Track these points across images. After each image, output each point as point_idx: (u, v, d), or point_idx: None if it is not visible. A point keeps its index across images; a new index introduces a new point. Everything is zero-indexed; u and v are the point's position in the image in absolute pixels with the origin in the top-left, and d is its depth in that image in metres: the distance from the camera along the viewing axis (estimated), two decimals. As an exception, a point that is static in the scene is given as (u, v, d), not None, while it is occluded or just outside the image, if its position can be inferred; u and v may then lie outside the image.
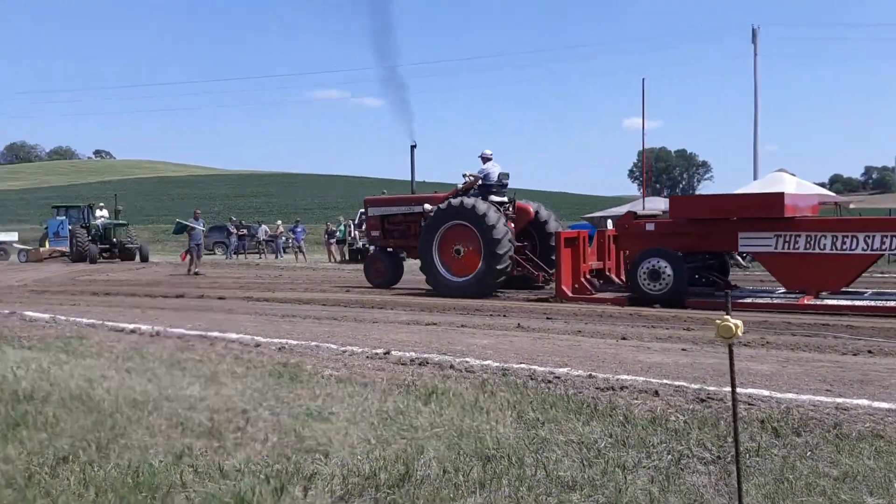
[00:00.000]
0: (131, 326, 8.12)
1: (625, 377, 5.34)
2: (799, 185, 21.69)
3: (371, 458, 3.40)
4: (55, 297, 13.76)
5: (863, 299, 10.60)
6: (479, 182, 14.03)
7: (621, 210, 23.50)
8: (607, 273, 13.29)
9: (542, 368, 5.64)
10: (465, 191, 14.20)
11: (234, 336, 7.50)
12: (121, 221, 35.22)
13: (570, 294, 12.01)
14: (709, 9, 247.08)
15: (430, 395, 4.59)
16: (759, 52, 30.55)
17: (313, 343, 7.06)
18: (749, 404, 4.53)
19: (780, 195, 10.91)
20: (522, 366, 5.75)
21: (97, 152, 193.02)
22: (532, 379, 5.20)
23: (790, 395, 4.81)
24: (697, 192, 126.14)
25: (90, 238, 31.90)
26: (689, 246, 11.61)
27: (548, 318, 9.39)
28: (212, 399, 4.49)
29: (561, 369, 5.62)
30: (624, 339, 7.50)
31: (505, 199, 14.23)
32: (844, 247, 10.33)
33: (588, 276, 12.57)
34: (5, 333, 7.46)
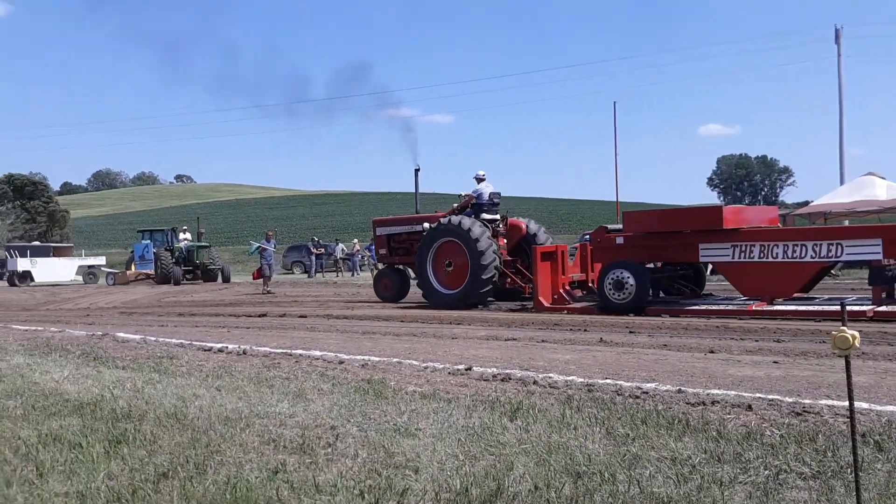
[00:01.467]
0: (218, 346, 8.32)
1: (716, 391, 5.19)
2: (889, 189, 20.88)
3: (461, 473, 3.39)
4: (143, 319, 14.24)
5: (813, 304, 11.13)
6: (473, 201, 15.15)
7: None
8: (590, 284, 14.02)
9: (628, 384, 5.53)
10: (461, 209, 15.35)
11: (317, 353, 7.61)
12: (203, 244, 36.31)
13: (547, 305, 12.91)
14: (788, 11, 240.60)
15: (515, 411, 4.56)
16: (842, 52, 29.64)
17: (395, 359, 7.11)
18: (848, 417, 4.35)
19: (719, 209, 11.78)
20: (608, 381, 5.66)
21: (178, 177, 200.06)
22: (619, 394, 5.11)
23: (891, 408, 4.60)
24: (779, 200, 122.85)
25: (174, 260, 32.97)
26: (656, 258, 12.70)
27: (630, 332, 9.23)
28: (301, 415, 4.56)
29: (649, 384, 5.51)
30: (712, 352, 7.31)
31: (497, 216, 15.34)
32: (795, 255, 11.01)
33: (567, 288, 13.47)
34: (100, 354, 7.73)
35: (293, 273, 40.95)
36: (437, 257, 14.83)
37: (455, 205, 15.71)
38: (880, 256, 10.48)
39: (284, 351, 7.86)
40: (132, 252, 38.82)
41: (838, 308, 10.13)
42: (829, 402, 4.80)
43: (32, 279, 37.25)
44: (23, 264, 37.64)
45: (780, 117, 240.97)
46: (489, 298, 14.51)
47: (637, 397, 5.02)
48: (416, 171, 17.64)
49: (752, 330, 9.19)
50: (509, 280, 14.63)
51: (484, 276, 13.88)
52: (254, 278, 26.37)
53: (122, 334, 9.97)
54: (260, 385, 5.67)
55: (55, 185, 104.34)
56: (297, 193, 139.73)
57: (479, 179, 15.35)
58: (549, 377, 5.87)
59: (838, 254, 10.73)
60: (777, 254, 11.15)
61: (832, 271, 15.26)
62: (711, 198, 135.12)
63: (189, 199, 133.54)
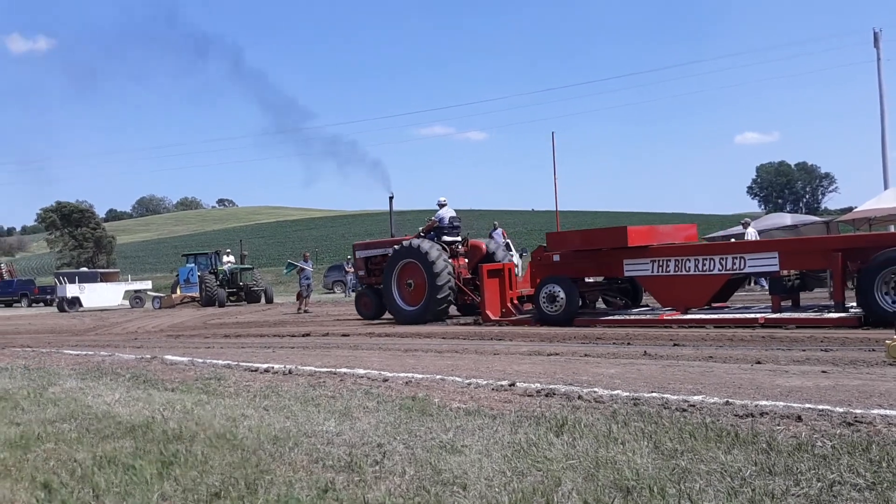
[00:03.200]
0: (264, 366, 8.42)
1: (764, 403, 5.12)
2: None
3: (508, 489, 3.39)
4: (190, 341, 14.45)
5: (721, 312, 12.02)
6: (436, 224, 16.58)
7: (741, 230, 22.71)
8: None
9: (674, 397, 5.48)
10: (426, 232, 16.71)
11: (361, 371, 7.66)
12: (246, 266, 36.85)
13: (493, 317, 14.14)
14: (824, 15, 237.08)
15: (561, 427, 4.54)
16: (881, 55, 29.16)
17: (438, 376, 7.12)
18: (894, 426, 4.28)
19: (624, 229, 12.82)
20: (654, 395, 5.61)
21: (220, 201, 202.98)
22: (665, 408, 5.07)
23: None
24: (822, 207, 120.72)
25: (218, 283, 33.45)
26: (588, 273, 13.88)
27: (675, 345, 9.14)
28: (348, 434, 4.60)
29: (695, 397, 5.45)
30: (759, 362, 7.21)
31: (458, 238, 16.79)
32: (705, 268, 12.06)
33: (515, 302, 14.62)
34: (150, 377, 7.86)
35: (334, 292, 41.24)
36: (400, 277, 16.19)
37: (420, 228, 17.13)
38: (777, 268, 11.50)
39: (329, 370, 7.93)
40: (177, 276, 39.45)
41: (738, 315, 11.52)
42: (882, 411, 4.70)
43: (81, 305, 38.07)
44: (72, 290, 38.49)
45: (819, 123, 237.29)
46: (451, 313, 16.11)
47: (684, 410, 4.97)
48: (391, 198, 19.35)
49: (799, 340, 9.05)
50: (468, 297, 15.90)
51: (439, 295, 15.25)
52: (297, 299, 26.75)
53: (170, 357, 10.13)
54: (306, 404, 5.73)
55: (101, 212, 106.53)
56: (337, 214, 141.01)
57: (441, 205, 16.78)
58: (594, 392, 5.84)
59: (742, 266, 11.77)
60: (689, 267, 12.21)
61: (749, 283, 16.52)
62: (752, 206, 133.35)
63: (231, 223, 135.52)
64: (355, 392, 6.23)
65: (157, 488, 3.62)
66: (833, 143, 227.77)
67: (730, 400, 5.24)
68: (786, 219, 23.57)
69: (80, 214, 76.98)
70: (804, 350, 8.02)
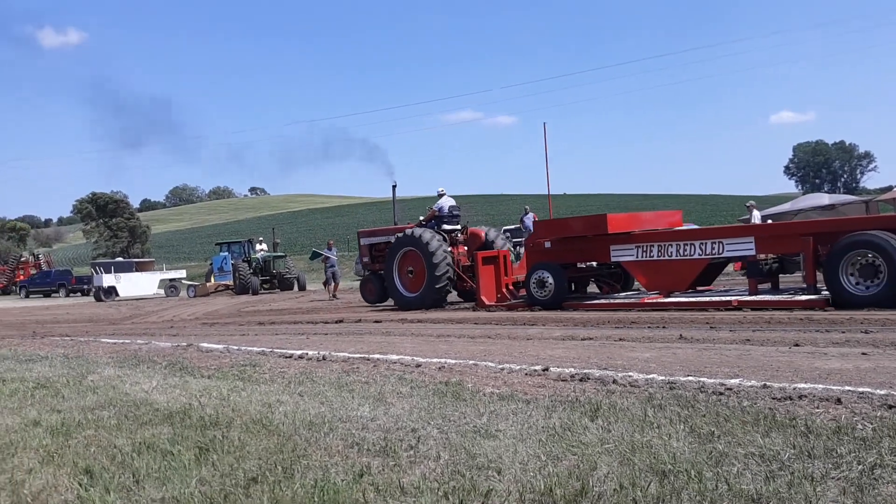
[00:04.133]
0: (299, 352, 8.48)
1: (802, 385, 5.05)
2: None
3: (544, 474, 3.38)
4: (225, 328, 14.61)
5: (699, 295, 12.59)
6: (437, 214, 17.17)
7: (779, 210, 22.40)
8: None
9: (711, 380, 5.42)
10: (426, 221, 17.25)
11: (394, 357, 7.69)
12: (279, 254, 37.07)
13: (488, 303, 14.64)
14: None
15: (596, 411, 4.52)
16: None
17: (471, 361, 7.12)
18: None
19: (604, 216, 13.21)
20: (690, 378, 5.55)
21: (252, 189, 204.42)
22: (702, 391, 5.01)
23: None
24: (860, 186, 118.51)
25: (252, 271, 33.68)
26: (578, 259, 14.42)
27: (711, 328, 9.04)
28: (382, 419, 4.62)
29: (732, 380, 5.39)
30: (797, 345, 7.11)
31: (458, 226, 17.40)
32: (686, 253, 12.51)
33: (511, 287, 15.23)
34: (186, 364, 7.96)
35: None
36: (401, 265, 16.78)
37: (421, 217, 17.66)
38: (754, 252, 11.90)
39: (362, 356, 7.96)
40: (211, 264, 39.84)
41: (715, 298, 11.97)
42: (925, 393, 4.61)
43: (117, 294, 38.65)
44: (108, 280, 39.06)
45: (857, 101, 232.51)
46: (452, 299, 16.81)
47: (720, 394, 4.91)
48: (394, 186, 20.24)
49: (838, 322, 8.90)
50: (467, 284, 16.36)
51: (438, 283, 15.82)
52: (324, 286, 27.00)
53: (205, 344, 10.25)
54: (341, 390, 5.77)
55: (135, 203, 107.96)
56: (368, 200, 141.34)
57: (440, 195, 17.36)
58: (629, 376, 5.80)
59: (720, 251, 12.17)
60: (672, 252, 12.67)
61: (730, 267, 16.70)
62: (789, 187, 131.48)
63: (263, 211, 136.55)
64: (389, 378, 6.25)
65: (195, 473, 3.66)
66: (872, 122, 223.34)
67: (767, 383, 5.17)
68: (823, 199, 23.17)
69: (114, 205, 78.03)
70: (843, 332, 7.89)
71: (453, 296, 17.18)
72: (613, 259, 13.58)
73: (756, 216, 21.55)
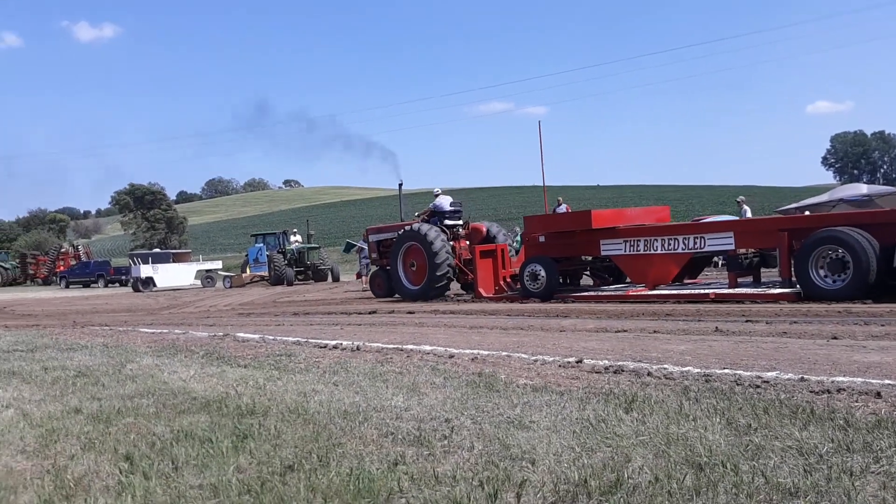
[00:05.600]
0: (333, 343, 8.54)
1: (841, 379, 4.98)
2: None
3: (578, 465, 3.38)
4: (260, 319, 14.75)
5: (680, 288, 13.04)
6: (434, 211, 18.07)
7: (817, 200, 22.04)
8: None
9: (747, 373, 5.36)
10: (428, 217, 18.09)
11: (428, 348, 7.71)
12: (313, 245, 37.33)
13: (485, 294, 15.46)
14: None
15: (630, 403, 4.50)
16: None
17: (504, 353, 7.12)
18: None
19: (588, 213, 14.31)
20: (726, 371, 5.50)
21: (287, 182, 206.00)
22: (738, 384, 4.96)
23: None
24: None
25: (286, 262, 33.97)
26: (570, 253, 14.95)
27: (748, 321, 8.93)
28: (416, 409, 4.64)
29: (769, 373, 5.32)
30: (835, 338, 7.01)
31: (459, 221, 18.19)
32: (670, 247, 13.05)
33: (508, 280, 15.90)
34: (223, 354, 8.05)
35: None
36: (405, 259, 17.49)
37: (417, 213, 18.77)
38: (733, 247, 12.43)
39: (396, 346, 8.00)
40: (246, 255, 40.18)
41: (694, 291, 12.55)
42: (968, 388, 4.52)
43: (154, 284, 39.20)
44: (145, 270, 39.64)
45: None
46: (457, 291, 17.65)
47: (757, 387, 4.86)
48: (400, 184, 21.17)
49: (877, 315, 8.76)
50: (469, 276, 17.08)
51: (438, 275, 16.51)
52: (356, 278, 27.13)
53: (241, 334, 10.36)
54: (375, 380, 5.80)
55: (172, 194, 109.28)
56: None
57: (436, 195, 18.33)
58: (664, 368, 5.76)
59: (702, 246, 12.65)
60: (657, 247, 13.19)
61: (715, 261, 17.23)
62: (826, 177, 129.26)
63: (297, 203, 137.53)
64: (422, 368, 6.28)
65: (233, 461, 3.71)
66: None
67: (805, 376, 5.11)
68: (861, 188, 22.72)
69: (152, 196, 79.16)
70: (883, 325, 7.75)
71: (456, 288, 17.90)
72: (603, 253, 14.18)
73: (746, 211, 21.84)
